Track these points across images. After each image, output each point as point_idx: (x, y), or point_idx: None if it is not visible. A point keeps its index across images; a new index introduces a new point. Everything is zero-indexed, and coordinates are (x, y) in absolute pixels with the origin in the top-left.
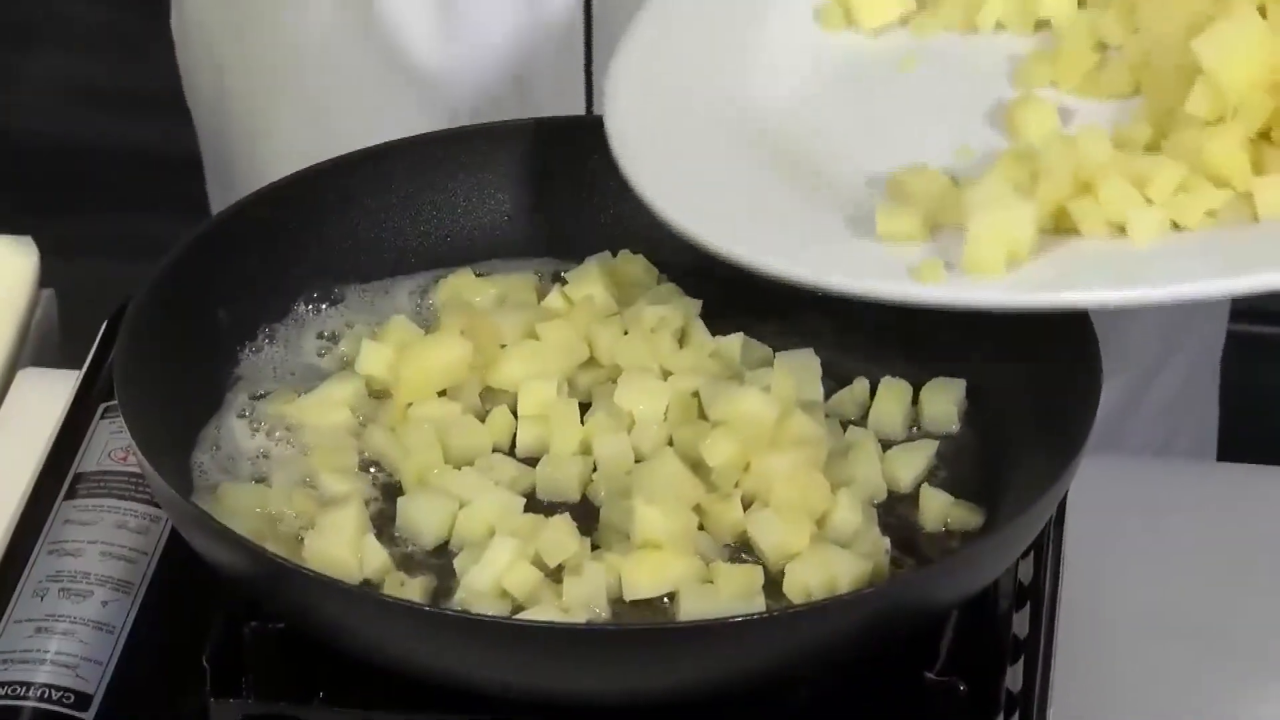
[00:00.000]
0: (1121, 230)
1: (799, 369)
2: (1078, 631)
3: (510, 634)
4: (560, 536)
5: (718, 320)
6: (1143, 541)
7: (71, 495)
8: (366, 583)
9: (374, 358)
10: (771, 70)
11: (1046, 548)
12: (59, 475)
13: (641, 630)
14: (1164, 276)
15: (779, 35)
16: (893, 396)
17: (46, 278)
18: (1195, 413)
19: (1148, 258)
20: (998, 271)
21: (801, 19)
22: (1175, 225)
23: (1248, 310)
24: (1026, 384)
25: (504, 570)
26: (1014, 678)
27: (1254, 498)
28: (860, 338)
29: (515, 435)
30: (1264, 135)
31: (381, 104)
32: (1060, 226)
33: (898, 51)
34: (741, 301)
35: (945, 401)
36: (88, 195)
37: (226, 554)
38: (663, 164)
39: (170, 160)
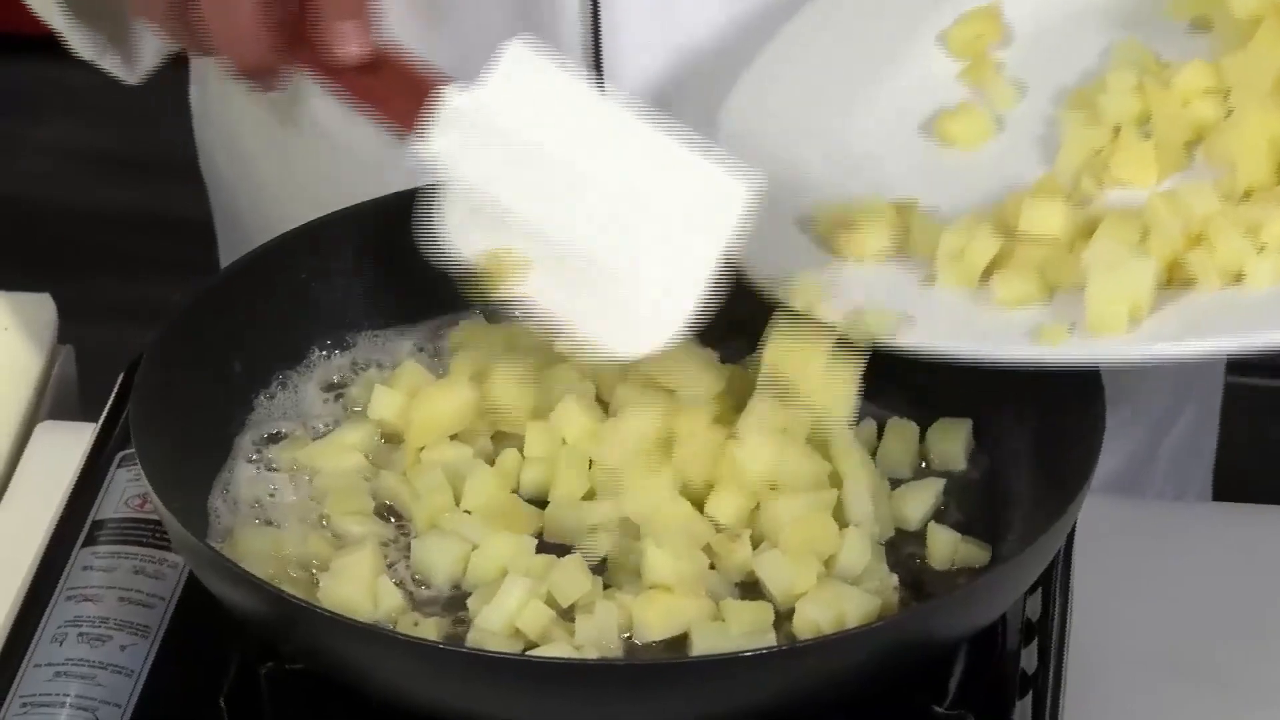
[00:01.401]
0: (1236, 279)
1: None
2: (1087, 669)
3: (521, 670)
4: (572, 576)
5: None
6: (1149, 580)
7: (90, 542)
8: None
9: (385, 403)
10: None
11: (1055, 583)
12: (77, 523)
13: (652, 666)
14: None
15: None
16: (899, 436)
17: (62, 339)
18: (1202, 462)
19: (1266, 304)
20: (1120, 328)
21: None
22: None
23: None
24: (1031, 423)
25: (516, 610)
26: (1023, 712)
27: (1256, 536)
28: (867, 381)
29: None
30: None
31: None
32: (1173, 279)
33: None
34: (749, 346)
35: (952, 441)
36: (99, 260)
37: (242, 596)
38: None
39: (180, 224)
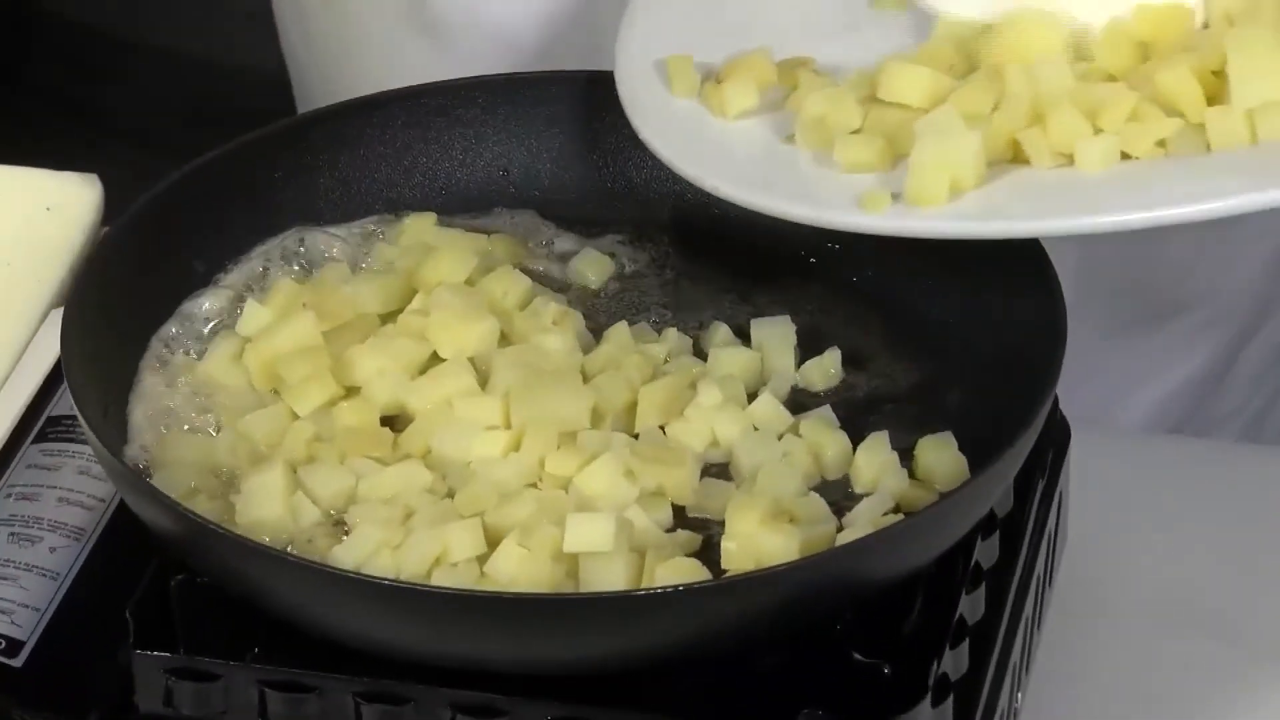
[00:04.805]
0: (1069, 160)
1: (773, 337)
2: (1101, 617)
3: (420, 599)
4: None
5: (707, 286)
6: (1170, 523)
7: (41, 439)
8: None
9: (255, 320)
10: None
11: (1024, 531)
12: (33, 417)
13: (552, 600)
14: (1105, 205)
15: None
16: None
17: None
18: None
19: (1095, 187)
20: (939, 200)
21: None
22: (1126, 155)
23: None
24: (990, 376)
25: (367, 556)
26: (959, 662)
27: None
28: (841, 305)
29: None
30: (1217, 72)
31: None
32: (1017, 156)
33: None
34: (730, 267)
35: (941, 458)
36: (171, 112)
37: (144, 508)
38: (656, 103)
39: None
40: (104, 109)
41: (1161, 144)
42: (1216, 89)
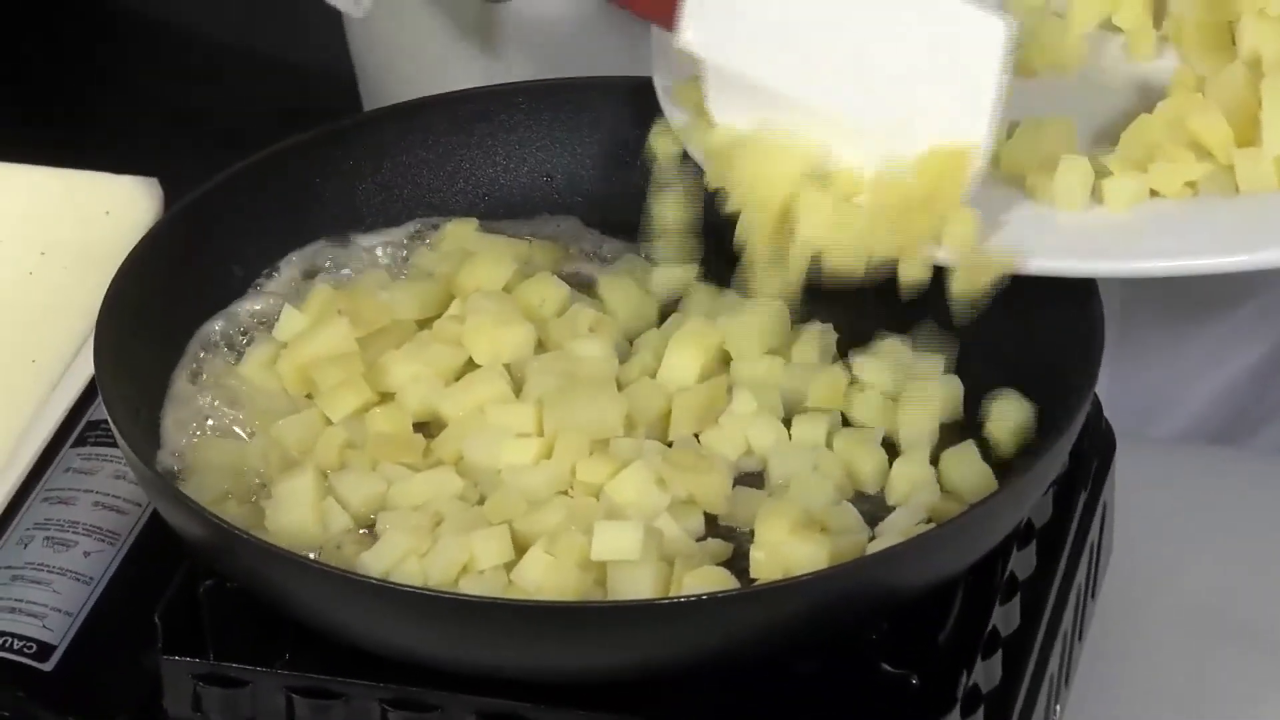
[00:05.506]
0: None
1: (811, 345)
2: (1140, 628)
3: (438, 606)
4: (495, 546)
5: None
6: (1212, 534)
7: (79, 443)
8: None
9: (291, 325)
10: None
11: (1064, 542)
12: (73, 422)
13: (577, 607)
14: (1135, 250)
15: None
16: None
17: None
18: None
19: (1120, 229)
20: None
21: None
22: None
23: None
24: (1028, 383)
25: (394, 564)
26: (991, 674)
27: None
28: (880, 312)
29: None
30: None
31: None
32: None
33: None
34: None
35: (964, 470)
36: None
37: (174, 513)
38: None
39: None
40: (181, 110)
41: (1191, 184)
42: (1246, 130)
